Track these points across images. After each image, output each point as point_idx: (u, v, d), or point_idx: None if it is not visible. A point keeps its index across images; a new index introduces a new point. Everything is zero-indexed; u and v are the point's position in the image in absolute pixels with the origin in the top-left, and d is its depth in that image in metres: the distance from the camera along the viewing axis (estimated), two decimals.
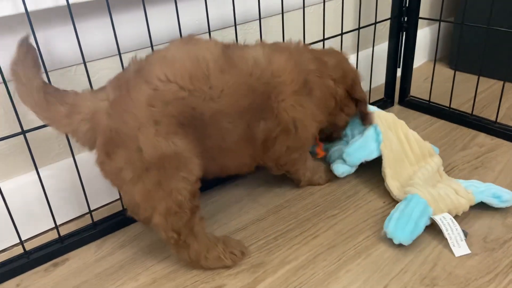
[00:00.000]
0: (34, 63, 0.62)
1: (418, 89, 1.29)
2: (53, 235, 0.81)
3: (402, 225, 0.74)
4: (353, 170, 0.92)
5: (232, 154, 0.73)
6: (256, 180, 0.96)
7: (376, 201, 0.87)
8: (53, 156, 0.84)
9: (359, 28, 1.11)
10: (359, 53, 1.15)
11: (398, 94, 1.28)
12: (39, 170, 0.74)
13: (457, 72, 1.16)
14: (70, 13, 0.68)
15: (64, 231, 0.82)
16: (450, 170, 0.94)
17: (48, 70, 0.70)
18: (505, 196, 0.80)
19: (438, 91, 1.21)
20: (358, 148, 0.89)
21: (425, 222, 0.75)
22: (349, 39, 1.22)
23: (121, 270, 0.75)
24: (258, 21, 0.94)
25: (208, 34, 0.86)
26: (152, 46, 0.79)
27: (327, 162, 0.96)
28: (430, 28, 1.53)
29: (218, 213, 0.87)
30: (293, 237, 0.79)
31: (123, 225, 0.85)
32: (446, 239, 0.73)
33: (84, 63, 0.72)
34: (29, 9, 0.66)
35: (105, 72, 0.84)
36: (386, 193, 0.87)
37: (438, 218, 0.75)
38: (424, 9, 1.42)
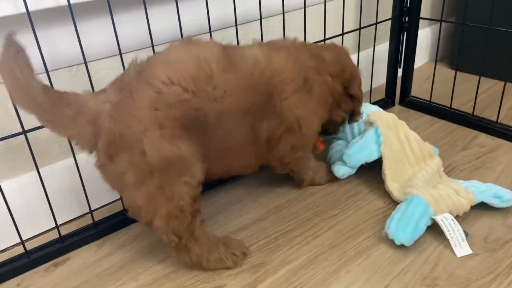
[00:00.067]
0: (28, 62, 0.58)
1: (419, 89, 1.29)
2: (54, 235, 0.81)
3: (403, 226, 0.74)
4: (353, 171, 0.92)
5: (236, 154, 0.73)
6: (257, 180, 0.96)
7: (377, 201, 0.87)
8: (53, 156, 0.84)
9: (360, 28, 1.11)
10: (360, 53, 1.15)
11: (399, 94, 1.27)
12: (40, 170, 0.74)
13: (458, 72, 1.16)
14: (71, 13, 0.68)
15: (64, 231, 0.82)
16: (451, 170, 0.94)
17: (49, 70, 0.70)
18: (506, 196, 0.80)
19: (439, 91, 1.21)
20: (358, 149, 0.89)
21: (426, 222, 0.75)
22: (350, 39, 1.22)
23: (121, 270, 0.75)
24: (259, 21, 0.94)
25: (209, 34, 0.86)
26: (153, 46, 0.79)
27: (328, 162, 0.96)
28: (431, 28, 1.53)
29: (218, 213, 0.87)
30: (294, 237, 0.79)
31: (123, 225, 0.85)
32: (447, 239, 0.73)
33: (85, 63, 0.72)
34: (30, 9, 0.66)
35: (105, 72, 0.84)
36: (387, 193, 0.87)
37: (439, 219, 0.75)
38: (425, 9, 1.42)
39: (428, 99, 1.21)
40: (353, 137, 0.94)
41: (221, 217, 0.86)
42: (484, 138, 1.06)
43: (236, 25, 0.89)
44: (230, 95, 0.67)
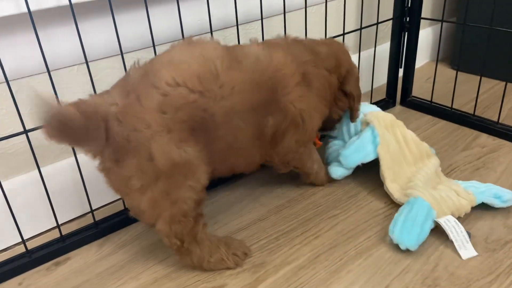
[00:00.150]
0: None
1: (420, 89, 1.29)
2: (55, 234, 0.81)
3: (407, 230, 0.73)
4: (350, 172, 0.91)
5: (242, 152, 0.73)
6: (257, 180, 0.96)
7: (378, 201, 0.87)
8: (55, 156, 0.84)
9: (361, 28, 1.11)
10: (361, 53, 1.15)
11: (400, 94, 1.27)
12: (41, 169, 0.74)
13: (459, 73, 1.16)
14: (72, 13, 0.69)
15: (65, 230, 0.82)
16: (452, 170, 0.94)
17: (50, 69, 0.70)
18: (506, 196, 0.80)
19: (440, 92, 1.21)
20: (354, 150, 0.88)
21: (430, 225, 0.74)
22: (351, 39, 1.22)
23: (122, 269, 0.75)
24: (260, 21, 0.94)
25: (210, 34, 0.86)
26: (154, 46, 0.79)
27: (325, 163, 0.96)
28: (432, 28, 1.53)
29: (219, 213, 0.87)
30: (295, 237, 0.79)
31: (124, 225, 0.85)
32: (449, 240, 0.73)
33: (86, 62, 0.72)
34: (31, 8, 0.66)
35: (107, 71, 0.84)
36: (388, 193, 0.87)
37: (442, 221, 0.74)
38: (426, 10, 1.42)
39: (429, 99, 1.21)
40: (350, 137, 0.94)
41: (222, 217, 0.86)
42: (485, 139, 1.06)
43: (237, 25, 0.89)
44: (237, 93, 0.67)
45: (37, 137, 0.78)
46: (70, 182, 0.84)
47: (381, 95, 1.28)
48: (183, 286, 0.71)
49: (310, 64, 0.79)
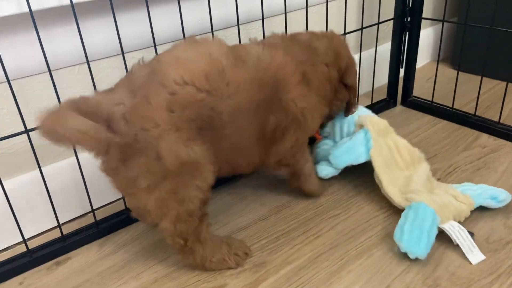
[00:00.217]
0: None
1: (421, 89, 1.29)
2: (56, 234, 0.82)
3: (416, 239, 0.71)
4: (337, 172, 0.91)
5: (245, 152, 0.73)
6: (258, 180, 0.96)
7: (378, 201, 0.87)
8: (56, 155, 0.84)
9: (362, 28, 1.11)
10: (362, 53, 1.15)
11: (401, 94, 1.27)
12: (42, 168, 0.74)
13: (460, 73, 1.15)
14: (73, 13, 0.69)
15: (66, 229, 0.82)
16: (453, 171, 0.94)
17: (51, 69, 0.70)
18: (501, 196, 0.80)
19: (441, 92, 1.21)
20: (345, 151, 0.88)
21: (435, 232, 0.73)
22: (352, 39, 1.21)
23: (123, 269, 0.75)
24: (261, 21, 0.94)
25: (211, 33, 0.86)
26: (155, 45, 0.79)
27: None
28: (433, 28, 1.53)
29: (220, 213, 0.87)
30: (295, 237, 0.79)
31: (125, 224, 0.85)
32: (455, 244, 0.73)
33: (88, 62, 0.72)
34: (32, 8, 0.66)
35: (108, 71, 0.84)
36: (387, 197, 0.87)
37: (447, 227, 0.74)
38: (427, 10, 1.42)
39: (430, 99, 1.21)
40: (341, 138, 0.93)
41: (223, 216, 0.86)
42: (486, 139, 1.06)
43: (238, 25, 0.89)
44: (243, 90, 0.67)
45: (38, 136, 0.78)
46: (71, 182, 0.84)
47: (382, 95, 1.28)
48: (184, 285, 0.71)
49: (308, 64, 0.79)
